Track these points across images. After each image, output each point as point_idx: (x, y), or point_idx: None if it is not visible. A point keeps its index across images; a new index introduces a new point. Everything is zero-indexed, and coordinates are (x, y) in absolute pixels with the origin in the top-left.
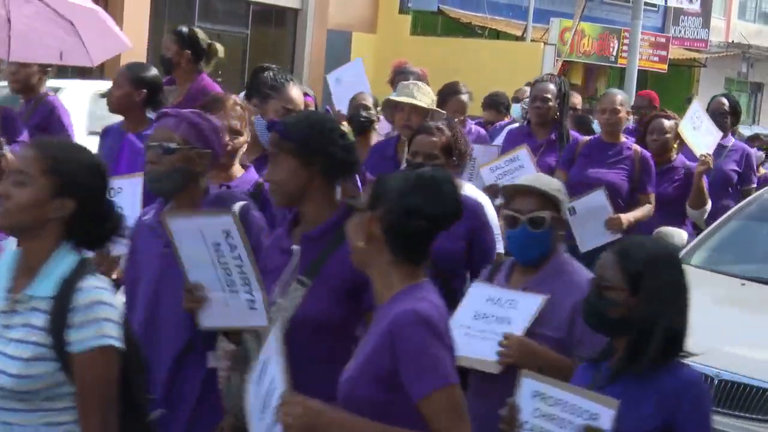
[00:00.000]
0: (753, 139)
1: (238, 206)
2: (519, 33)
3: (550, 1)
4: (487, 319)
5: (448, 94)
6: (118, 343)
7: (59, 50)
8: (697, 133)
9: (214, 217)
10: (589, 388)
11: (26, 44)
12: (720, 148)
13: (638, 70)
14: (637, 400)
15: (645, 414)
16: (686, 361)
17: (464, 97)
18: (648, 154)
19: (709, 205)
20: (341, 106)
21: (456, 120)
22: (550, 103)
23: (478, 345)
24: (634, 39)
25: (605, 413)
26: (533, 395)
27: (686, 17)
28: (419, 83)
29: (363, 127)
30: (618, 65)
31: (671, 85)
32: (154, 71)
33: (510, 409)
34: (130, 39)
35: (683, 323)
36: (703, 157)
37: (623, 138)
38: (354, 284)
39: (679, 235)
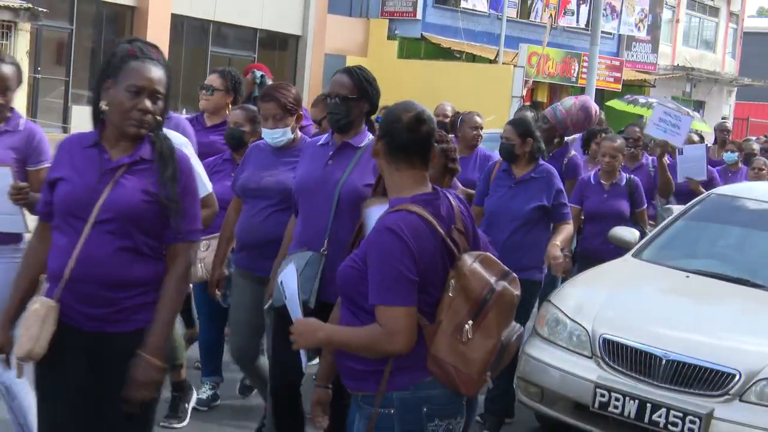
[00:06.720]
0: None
1: None
2: (492, 56)
3: (519, 29)
4: None
5: None
6: None
7: None
8: None
9: None
10: None
11: None
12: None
13: (596, 89)
14: None
15: None
16: (635, 344)
17: None
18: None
19: None
20: None
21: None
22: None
23: None
24: (592, 62)
25: None
26: None
27: (637, 43)
28: None
29: None
30: (578, 85)
31: None
32: None
33: None
34: None
35: None
36: None
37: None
38: None
39: (631, 233)
